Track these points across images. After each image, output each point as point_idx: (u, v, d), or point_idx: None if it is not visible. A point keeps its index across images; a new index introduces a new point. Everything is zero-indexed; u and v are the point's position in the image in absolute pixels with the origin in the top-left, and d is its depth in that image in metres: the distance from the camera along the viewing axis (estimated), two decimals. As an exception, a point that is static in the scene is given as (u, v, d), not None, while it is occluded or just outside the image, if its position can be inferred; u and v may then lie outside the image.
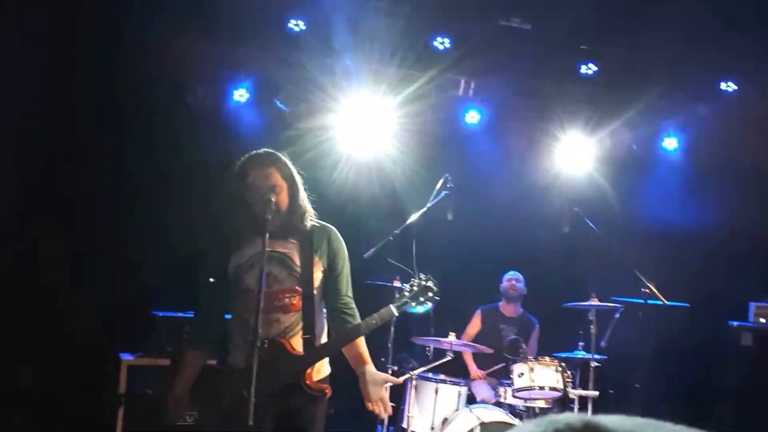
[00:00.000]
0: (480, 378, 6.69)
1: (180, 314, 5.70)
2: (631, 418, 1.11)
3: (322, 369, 3.69)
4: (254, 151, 3.65)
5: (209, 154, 6.20)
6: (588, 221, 6.50)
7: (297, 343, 3.55)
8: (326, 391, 3.60)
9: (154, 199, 6.36)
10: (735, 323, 7.24)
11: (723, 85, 7.32)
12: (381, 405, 3.66)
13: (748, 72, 7.14)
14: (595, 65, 7.02)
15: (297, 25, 6.46)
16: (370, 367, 3.67)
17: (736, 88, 7.30)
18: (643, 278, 6.31)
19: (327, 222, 3.77)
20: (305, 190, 3.70)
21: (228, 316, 3.73)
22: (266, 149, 3.68)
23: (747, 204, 7.22)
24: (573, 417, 1.10)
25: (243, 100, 6.82)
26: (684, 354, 7.30)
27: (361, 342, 3.70)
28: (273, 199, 3.51)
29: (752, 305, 7.31)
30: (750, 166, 7.20)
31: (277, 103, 6.77)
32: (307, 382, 3.52)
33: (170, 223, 6.25)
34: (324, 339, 3.73)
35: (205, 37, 6.21)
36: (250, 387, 3.22)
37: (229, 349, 3.63)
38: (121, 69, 6.11)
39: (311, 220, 3.70)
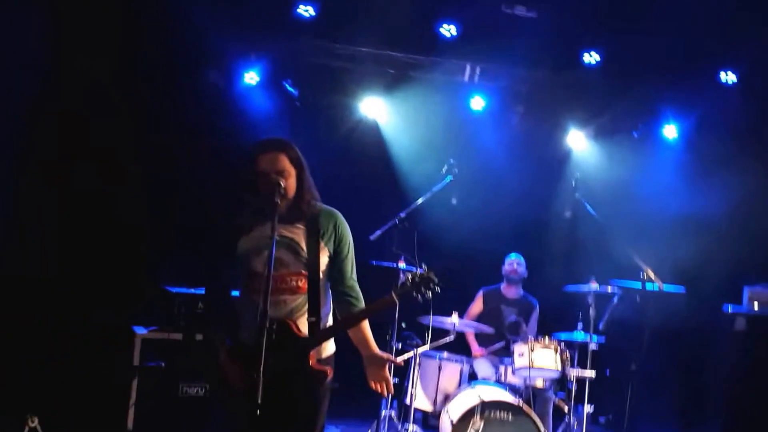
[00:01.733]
0: (481, 356, 6.88)
1: (192, 290, 5.87)
2: None
3: (327, 347, 3.78)
4: (264, 137, 3.74)
5: (220, 135, 6.36)
6: (588, 207, 6.64)
7: (303, 325, 3.64)
8: (328, 372, 3.68)
9: (167, 179, 6.53)
10: (729, 308, 7.36)
11: (723, 76, 7.46)
12: (382, 385, 3.81)
13: (748, 63, 7.27)
14: (598, 54, 7.18)
15: (306, 10, 6.62)
16: (374, 351, 3.81)
17: (735, 79, 7.44)
18: (641, 263, 6.43)
19: (334, 206, 3.83)
20: (312, 175, 3.77)
21: (236, 293, 3.84)
22: (277, 136, 3.79)
23: (743, 192, 7.36)
24: None
25: (253, 82, 7.01)
26: (679, 337, 7.47)
27: (365, 326, 3.83)
28: (282, 184, 3.58)
29: (746, 290, 7.43)
30: (745, 156, 7.35)
31: (287, 86, 6.92)
32: (311, 363, 3.61)
33: (183, 202, 6.41)
34: (330, 321, 3.84)
35: (216, 20, 6.32)
36: (259, 366, 3.27)
37: (239, 328, 3.70)
38: (137, 49, 6.23)
39: (318, 204, 3.76)
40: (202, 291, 5.77)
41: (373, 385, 3.81)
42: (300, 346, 3.59)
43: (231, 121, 6.78)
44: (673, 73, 7.29)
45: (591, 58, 7.21)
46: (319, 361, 3.69)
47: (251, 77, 6.98)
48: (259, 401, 3.27)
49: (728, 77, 7.47)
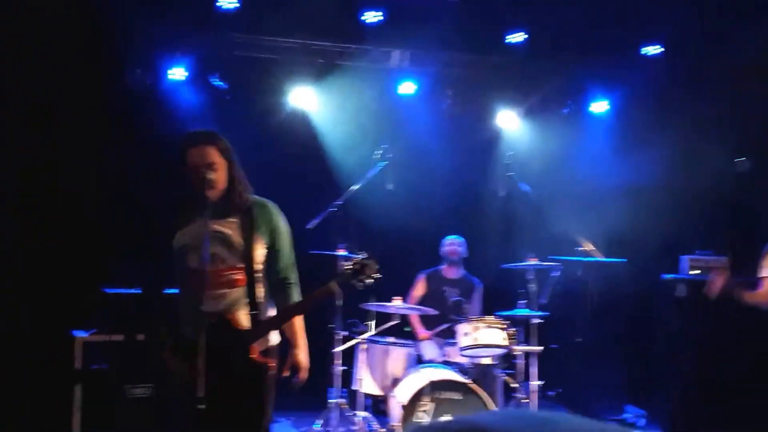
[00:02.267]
0: (427, 339, 6.90)
1: (130, 290, 5.79)
2: (521, 415, 1.09)
3: (271, 338, 3.76)
4: (192, 130, 3.69)
5: (152, 133, 6.30)
6: (522, 185, 6.71)
7: (243, 318, 3.62)
8: (270, 363, 3.65)
9: (98, 179, 6.44)
10: (669, 276, 7.49)
11: (647, 49, 7.59)
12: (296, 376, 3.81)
13: (672, 34, 7.40)
14: (524, 34, 7.25)
15: (229, 2, 6.55)
16: (298, 351, 3.80)
17: (660, 51, 7.56)
18: (579, 237, 6.55)
19: (269, 196, 3.81)
20: (244, 166, 3.73)
21: (172, 291, 3.79)
22: (205, 129, 3.73)
23: (673, 161, 7.49)
24: (459, 424, 1.07)
25: (181, 78, 6.93)
26: (622, 307, 7.61)
27: (298, 324, 3.82)
28: (212, 177, 3.54)
29: (684, 258, 7.56)
30: (675, 126, 7.49)
31: (214, 81, 6.87)
32: (253, 356, 3.59)
33: (117, 201, 6.33)
34: (271, 313, 3.79)
35: (139, 16, 6.25)
36: (201, 361, 3.29)
37: (179, 325, 3.67)
38: (61, 50, 6.12)
39: (250, 196, 3.73)
40: (140, 291, 5.73)
41: (285, 371, 3.79)
42: (241, 340, 3.57)
43: (162, 118, 6.68)
44: (598, 48, 7.37)
45: (516, 38, 7.28)
46: (263, 353, 3.66)
47: (178, 73, 6.89)
48: (201, 395, 3.29)
49: (652, 50, 7.58)
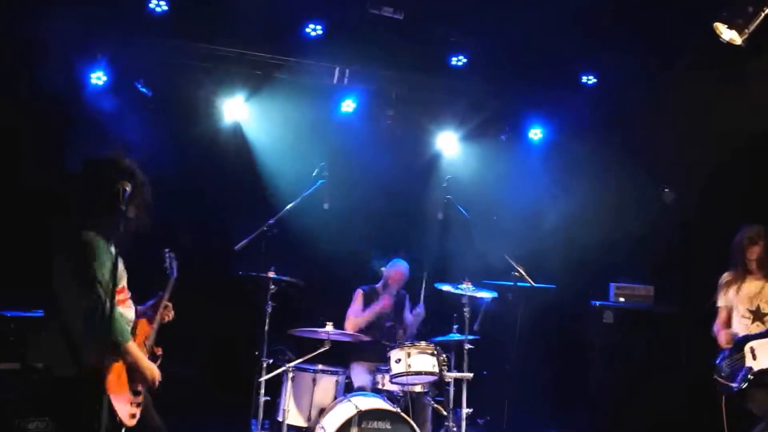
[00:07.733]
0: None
1: (29, 314, 4.66)
2: None
3: None
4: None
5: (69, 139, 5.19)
6: (460, 208, 5.98)
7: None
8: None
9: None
10: (597, 302, 6.83)
11: (584, 78, 6.89)
12: None
13: (607, 65, 6.68)
14: (465, 57, 6.45)
15: (159, 5, 5.51)
16: None
17: (595, 80, 6.88)
18: (512, 261, 5.89)
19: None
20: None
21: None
22: None
23: (605, 191, 6.84)
24: None
25: (100, 83, 5.83)
26: (551, 333, 6.94)
27: None
28: None
29: (612, 285, 6.96)
30: (609, 155, 6.82)
31: (139, 87, 5.74)
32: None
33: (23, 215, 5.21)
34: None
35: (57, 18, 5.16)
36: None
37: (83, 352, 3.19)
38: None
39: None
40: (39, 314, 4.62)
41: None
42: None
43: (84, 123, 5.62)
44: (537, 76, 6.66)
45: (459, 60, 6.45)
46: None
47: (98, 77, 5.78)
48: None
49: (586, 79, 6.88)
